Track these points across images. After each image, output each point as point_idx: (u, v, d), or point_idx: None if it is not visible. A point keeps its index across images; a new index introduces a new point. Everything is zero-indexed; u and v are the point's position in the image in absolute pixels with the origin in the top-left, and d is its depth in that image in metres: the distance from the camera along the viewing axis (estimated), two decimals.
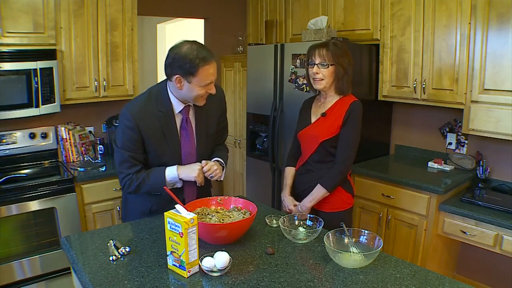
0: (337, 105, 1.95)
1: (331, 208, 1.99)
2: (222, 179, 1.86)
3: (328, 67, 1.90)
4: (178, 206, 1.37)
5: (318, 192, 1.96)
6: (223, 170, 1.86)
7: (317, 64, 1.91)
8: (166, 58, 1.63)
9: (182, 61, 1.58)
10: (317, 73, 1.91)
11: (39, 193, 2.55)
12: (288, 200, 2.09)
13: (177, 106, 1.75)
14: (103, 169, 2.88)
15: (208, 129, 1.86)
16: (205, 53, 1.61)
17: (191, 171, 1.73)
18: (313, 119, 2.02)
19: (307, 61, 1.97)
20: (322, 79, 1.91)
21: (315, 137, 1.97)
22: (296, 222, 1.73)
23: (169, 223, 1.33)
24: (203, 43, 1.74)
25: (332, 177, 1.95)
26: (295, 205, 2.05)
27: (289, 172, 2.15)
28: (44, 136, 2.98)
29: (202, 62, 1.58)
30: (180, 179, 1.74)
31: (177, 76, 1.62)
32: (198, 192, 1.89)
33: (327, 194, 1.96)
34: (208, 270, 1.33)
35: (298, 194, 2.08)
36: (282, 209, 2.17)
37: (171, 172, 1.73)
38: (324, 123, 1.96)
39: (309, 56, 1.96)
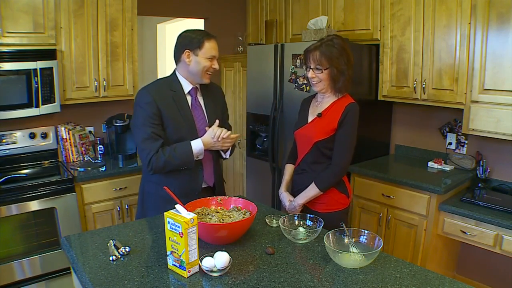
0: (333, 106, 1.94)
1: (326, 208, 1.99)
2: (227, 156, 2.05)
3: (322, 72, 1.87)
4: (178, 206, 1.37)
5: (311, 191, 1.96)
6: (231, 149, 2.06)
7: (312, 69, 1.90)
8: (175, 45, 1.90)
9: (190, 38, 1.87)
10: (313, 77, 1.90)
11: (39, 193, 2.55)
12: (283, 196, 2.11)
13: (186, 86, 1.94)
14: (103, 169, 2.88)
15: (217, 111, 2.06)
16: (207, 32, 1.93)
17: (209, 135, 1.87)
18: (309, 119, 2.02)
19: (305, 64, 1.95)
20: (319, 82, 1.90)
21: (310, 138, 1.96)
22: (296, 222, 1.73)
23: (169, 223, 1.33)
24: None
25: (326, 178, 1.95)
26: (290, 200, 2.06)
27: (287, 169, 2.17)
28: (44, 136, 2.98)
29: (206, 37, 1.88)
30: (206, 150, 1.87)
31: (186, 51, 1.86)
32: (214, 176, 2.05)
33: (320, 193, 1.96)
34: (208, 270, 1.33)
35: (294, 193, 2.09)
36: (282, 209, 2.16)
37: (197, 143, 1.86)
38: (319, 124, 1.95)
39: (305, 60, 1.94)
